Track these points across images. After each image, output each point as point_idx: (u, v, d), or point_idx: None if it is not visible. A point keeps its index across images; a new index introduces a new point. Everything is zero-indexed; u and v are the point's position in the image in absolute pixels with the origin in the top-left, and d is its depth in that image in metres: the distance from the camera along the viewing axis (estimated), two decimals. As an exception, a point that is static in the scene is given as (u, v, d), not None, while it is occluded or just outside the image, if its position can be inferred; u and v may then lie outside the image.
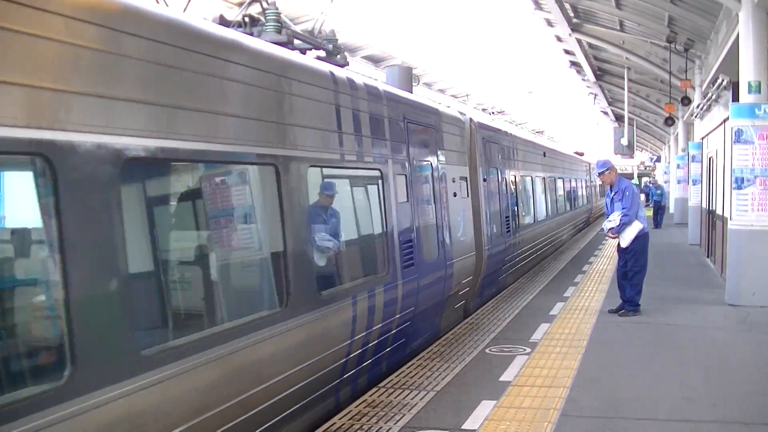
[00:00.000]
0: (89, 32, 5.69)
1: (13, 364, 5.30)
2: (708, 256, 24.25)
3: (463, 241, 15.00)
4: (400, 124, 12.16)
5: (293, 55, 9.72)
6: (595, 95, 54.93)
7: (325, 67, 10.31)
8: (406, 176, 12.11)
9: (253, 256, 8.67)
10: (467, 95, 50.84)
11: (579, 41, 35.29)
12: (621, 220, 14.71)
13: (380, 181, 11.20)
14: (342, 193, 10.88)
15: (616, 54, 36.18)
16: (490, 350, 12.02)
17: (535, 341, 12.61)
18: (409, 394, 9.67)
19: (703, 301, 16.44)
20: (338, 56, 12.35)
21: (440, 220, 13.60)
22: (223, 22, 10.39)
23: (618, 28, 31.74)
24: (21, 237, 5.90)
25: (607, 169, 15.26)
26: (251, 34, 10.17)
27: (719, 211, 20.24)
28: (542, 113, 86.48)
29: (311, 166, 9.15)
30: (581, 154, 49.40)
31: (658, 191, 43.77)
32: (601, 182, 16.34)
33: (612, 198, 15.17)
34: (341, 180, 10.90)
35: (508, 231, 19.29)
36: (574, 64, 44.70)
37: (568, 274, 21.22)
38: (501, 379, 10.36)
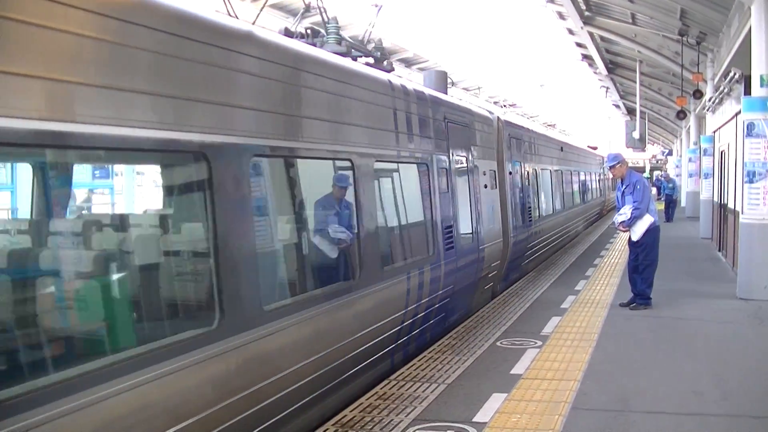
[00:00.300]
0: (264, 67, 8.01)
1: (189, 311, 7.17)
2: (719, 250, 24.24)
3: (492, 228, 16.60)
4: (441, 123, 13.89)
5: (360, 67, 11.70)
6: (607, 88, 54.81)
7: (385, 76, 12.09)
8: (446, 169, 13.79)
9: (329, 240, 10.06)
10: (479, 88, 50.81)
11: (591, 34, 35.19)
12: (632, 213, 14.70)
13: (427, 174, 12.89)
14: (397, 184, 12.63)
15: (628, 47, 36.06)
16: (501, 343, 12.05)
17: (546, 334, 12.64)
18: (420, 386, 9.71)
19: (714, 294, 16.43)
20: (385, 62, 13.87)
21: (474, 209, 15.31)
22: (287, 33, 11.55)
23: (630, 21, 31.64)
24: (188, 219, 7.49)
25: (617, 163, 15.25)
26: (314, 45, 11.46)
27: (731, 205, 20.23)
28: (554, 106, 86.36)
29: (377, 160, 10.86)
30: (594, 148, 49.66)
31: (670, 185, 43.70)
32: (611, 176, 16.34)
33: (623, 191, 15.15)
34: (397, 173, 12.61)
35: (530, 221, 21.01)
36: (585, 57, 44.59)
37: (580, 268, 21.23)
38: (512, 372, 10.40)
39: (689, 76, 30.59)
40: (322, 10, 13.02)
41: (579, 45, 41.40)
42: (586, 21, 32.71)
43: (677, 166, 59.92)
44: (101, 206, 8.04)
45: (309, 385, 8.33)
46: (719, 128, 25.78)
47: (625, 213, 14.86)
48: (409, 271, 11.60)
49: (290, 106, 8.54)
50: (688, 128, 43.84)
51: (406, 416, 8.58)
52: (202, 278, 7.07)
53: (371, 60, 13.42)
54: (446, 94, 16.32)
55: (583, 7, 31.69)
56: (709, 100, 28.27)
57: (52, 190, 7.36)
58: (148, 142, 6.03)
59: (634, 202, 14.73)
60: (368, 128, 10.67)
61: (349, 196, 10.07)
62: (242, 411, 6.92)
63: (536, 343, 12.03)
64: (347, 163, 9.94)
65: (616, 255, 23.88)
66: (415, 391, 9.53)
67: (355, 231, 10.00)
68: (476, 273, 15.27)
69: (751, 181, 15.57)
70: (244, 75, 7.58)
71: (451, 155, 14.12)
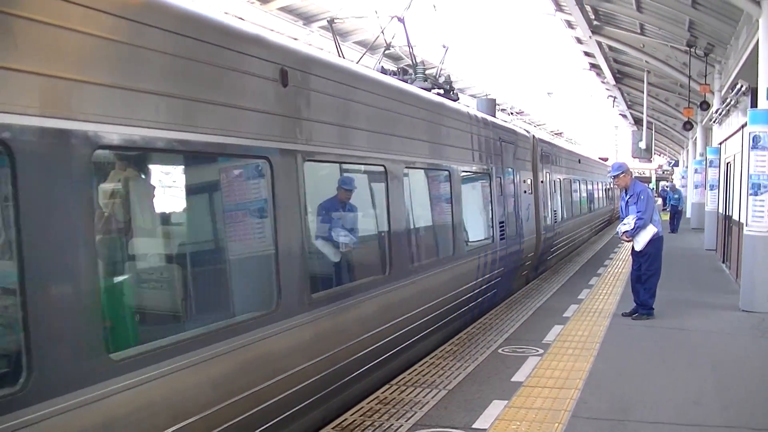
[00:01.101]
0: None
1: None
2: (723, 262, 24.21)
3: (528, 225, 20.30)
4: (497, 142, 17.69)
5: (451, 103, 15.66)
6: (615, 98, 54.85)
7: (463, 107, 16.47)
8: (500, 178, 17.71)
9: (438, 227, 14.30)
10: (487, 95, 50.86)
11: (599, 43, 35.25)
12: (635, 223, 14.71)
13: (489, 182, 16.90)
14: (472, 189, 16.29)
15: (636, 57, 36.10)
16: (502, 350, 12.09)
17: (548, 342, 12.67)
18: (421, 391, 9.74)
19: (716, 306, 16.43)
20: (452, 93, 17.45)
21: (517, 209, 19.08)
22: (383, 71, 15.32)
23: (638, 31, 31.70)
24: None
25: (621, 172, 15.26)
26: (406, 81, 15.00)
27: (735, 217, 20.23)
28: (561, 115, 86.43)
29: (463, 172, 14.91)
30: (605, 160, 50.02)
31: (675, 195, 43.67)
32: (615, 185, 16.44)
33: (627, 201, 15.16)
34: (475, 181, 16.52)
35: (555, 222, 24.90)
36: (593, 66, 44.67)
37: (583, 276, 21.25)
38: (513, 379, 10.43)
39: (696, 87, 30.64)
40: (413, 55, 17.13)
41: (587, 54, 41.50)
42: (595, 30, 32.77)
43: (683, 177, 59.90)
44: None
45: (394, 340, 10.82)
46: (725, 140, 25.77)
47: (628, 223, 14.87)
48: (480, 253, 15.69)
49: (410, 132, 12.20)
50: (695, 139, 43.86)
51: (406, 421, 8.61)
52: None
53: (442, 91, 16.90)
54: (495, 116, 20.11)
55: (592, 16, 31.75)
56: (716, 111, 28.30)
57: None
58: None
59: (637, 212, 14.74)
60: (456, 147, 14.71)
61: (448, 194, 14.17)
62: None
63: (538, 351, 12.06)
64: (446, 173, 14.08)
65: (620, 264, 23.89)
66: (416, 396, 9.56)
67: (455, 219, 14.24)
68: (518, 260, 19.10)
69: (755, 194, 15.58)
70: (368, 107, 10.64)
71: (503, 167, 17.98)
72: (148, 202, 7.63)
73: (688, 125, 35.97)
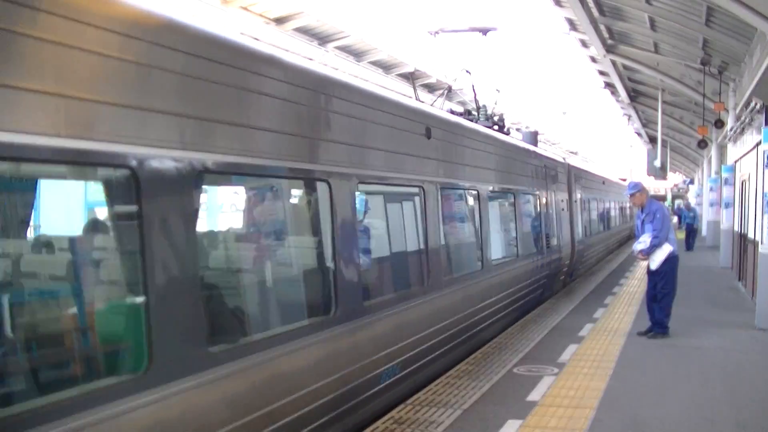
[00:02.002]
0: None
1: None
2: (739, 280, 24.16)
3: (565, 238, 24.04)
4: (542, 169, 21.71)
5: (516, 140, 20.75)
6: (629, 116, 54.81)
7: (521, 142, 21.60)
8: (546, 198, 21.81)
9: (509, 235, 18.17)
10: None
11: (613, 62, 35.25)
12: (651, 242, 14.71)
13: (538, 201, 20.98)
14: (527, 207, 20.09)
15: (651, 76, 36.08)
16: (518, 370, 12.09)
17: (563, 362, 12.67)
18: (436, 411, 9.75)
19: (732, 324, 16.40)
20: (505, 128, 20.69)
21: (557, 224, 22.96)
22: (453, 112, 18.82)
23: (653, 49, 31.69)
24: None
25: (637, 191, 15.27)
26: (472, 120, 18.35)
27: (750, 235, 20.19)
28: (576, 133, 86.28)
29: (522, 193, 19.12)
30: (624, 180, 50.43)
31: (691, 214, 43.62)
32: (631, 204, 16.49)
33: (643, 220, 15.16)
34: (529, 202, 20.37)
35: (585, 236, 28.99)
36: (608, 85, 44.63)
37: (599, 296, 21.23)
38: (528, 398, 10.44)
39: (711, 105, 30.58)
40: (477, 100, 20.98)
41: (601, 73, 41.47)
42: (609, 49, 32.78)
43: (698, 195, 59.77)
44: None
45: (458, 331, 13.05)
46: (740, 158, 25.75)
47: (644, 241, 14.86)
48: (533, 257, 19.60)
49: (488, 164, 16.08)
50: (710, 157, 43.71)
51: (421, 441, 8.63)
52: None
53: (496, 127, 20.03)
54: (536, 146, 24.28)
55: (606, 35, 31.77)
56: (731, 129, 28.27)
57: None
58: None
59: (653, 230, 14.74)
60: (518, 175, 18.79)
61: (515, 211, 18.14)
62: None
63: (553, 370, 12.06)
64: (512, 195, 18.15)
65: (636, 283, 23.85)
66: (431, 415, 9.57)
67: (518, 231, 18.29)
68: (558, 266, 22.86)
69: (770, 212, 15.56)
70: (472, 150, 14.81)
71: (547, 189, 22.05)
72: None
73: (703, 143, 35.87)
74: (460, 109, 21.13)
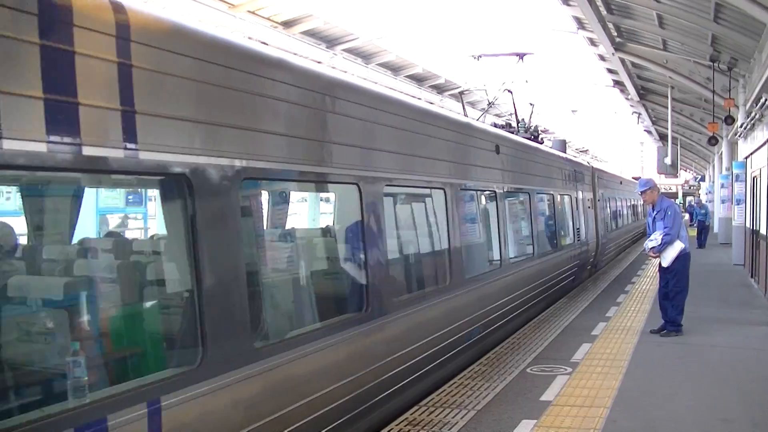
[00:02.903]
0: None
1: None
2: (752, 277, 24.09)
3: (591, 232, 27.23)
4: (573, 173, 25.13)
5: (554, 151, 24.25)
6: (639, 114, 54.73)
7: (558, 152, 25.00)
8: (576, 198, 25.06)
9: (551, 230, 21.22)
10: (511, 114, 50.88)
11: (622, 60, 35.22)
12: (662, 239, 14.67)
13: (570, 201, 24.15)
14: (564, 207, 23.37)
15: (660, 73, 36.06)
16: (531, 370, 12.09)
17: (577, 361, 12.65)
18: (450, 412, 9.75)
19: (745, 321, 16.36)
20: (540, 138, 24.46)
21: (585, 220, 26.13)
22: (495, 125, 21.90)
23: (661, 47, 31.67)
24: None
25: (648, 188, 15.23)
26: (512, 132, 21.18)
27: (763, 231, 20.15)
28: (586, 132, 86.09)
29: (561, 195, 22.66)
30: (638, 179, 50.61)
31: (702, 211, 43.51)
32: (642, 201, 16.45)
33: (654, 217, 15.13)
34: (565, 202, 23.46)
35: (607, 231, 32.02)
36: (617, 83, 44.59)
37: (611, 294, 21.20)
38: (542, 398, 10.43)
39: (721, 101, 30.54)
40: (517, 114, 24.94)
41: (610, 71, 41.45)
42: (618, 47, 32.76)
43: (709, 192, 59.63)
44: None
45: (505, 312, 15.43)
46: (751, 154, 25.70)
47: (655, 239, 14.83)
48: (569, 248, 23.09)
49: (536, 171, 19.72)
50: (720, 154, 43.68)
51: (435, 442, 8.63)
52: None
53: (531, 136, 23.19)
54: (565, 152, 27.92)
55: (614, 33, 31.75)
56: (741, 126, 28.21)
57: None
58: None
59: (664, 227, 14.70)
60: (556, 179, 22.22)
61: (555, 209, 21.65)
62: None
63: (566, 369, 12.06)
64: (550, 196, 21.36)
65: (648, 282, 23.81)
66: (444, 417, 9.57)
67: (557, 226, 21.76)
68: (586, 257, 26.03)
69: (782, 208, 15.53)
70: (518, 159, 17.83)
71: (577, 190, 25.25)
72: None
73: (714, 140, 35.80)
74: (499, 121, 25.88)
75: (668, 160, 43.77)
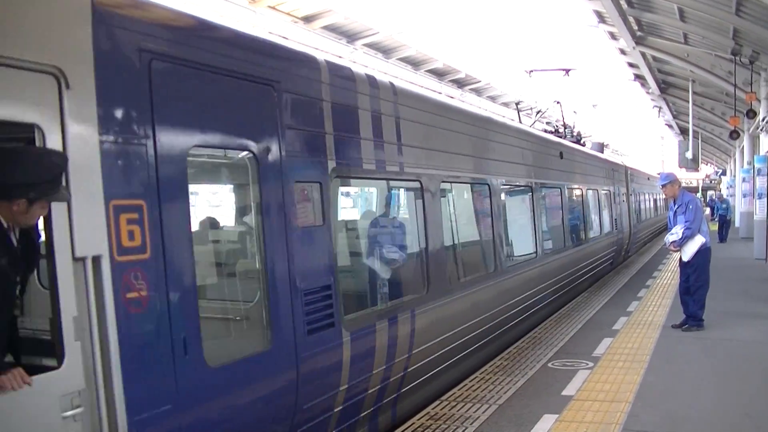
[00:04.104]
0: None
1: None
2: (774, 271, 23.99)
3: (625, 222, 30.66)
4: (611, 171, 28.92)
5: (598, 154, 29.62)
6: (660, 108, 54.56)
7: (601, 154, 30.72)
8: (614, 192, 28.45)
9: (597, 219, 25.03)
10: (531, 108, 50.96)
11: (643, 54, 35.13)
12: (683, 233, 14.61)
13: (610, 195, 27.42)
14: (606, 200, 26.76)
15: (681, 67, 35.94)
16: (552, 364, 12.09)
17: (598, 355, 12.65)
18: (471, 407, 9.77)
19: (767, 316, 16.28)
20: (580, 141, 28.24)
21: (620, 211, 29.35)
22: (546, 130, 24.80)
23: (682, 40, 31.56)
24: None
25: (669, 182, 15.16)
26: (560, 136, 24.34)
27: (785, 225, 20.06)
28: (607, 126, 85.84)
29: (603, 191, 26.31)
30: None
31: (723, 205, 43.33)
32: (663, 195, 16.42)
33: (675, 211, 15.07)
34: (607, 196, 26.95)
35: (637, 221, 35.32)
36: (638, 77, 44.47)
37: (632, 288, 21.16)
38: (563, 393, 10.44)
39: (742, 95, 30.44)
40: (564, 120, 28.27)
41: (631, 65, 41.34)
42: (638, 41, 32.68)
43: (730, 186, 59.39)
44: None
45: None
46: (773, 148, 25.58)
47: (676, 233, 14.77)
48: (610, 235, 26.74)
49: (586, 171, 23.67)
50: (742, 148, 43.54)
51: (457, 436, 8.64)
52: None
53: (575, 140, 27.21)
54: (603, 153, 32.38)
55: (635, 27, 31.67)
56: (763, 119, 28.13)
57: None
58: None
59: (685, 221, 14.63)
60: (599, 177, 25.88)
61: (600, 202, 25.51)
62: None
63: (588, 364, 12.06)
64: (596, 192, 24.70)
65: (669, 276, 23.73)
66: (466, 411, 9.60)
67: (602, 216, 25.36)
68: (621, 243, 29.62)
69: (804, 202, 15.45)
70: (571, 162, 21.43)
71: (614, 185, 28.64)
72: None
73: (735, 134, 35.69)
74: (548, 127, 29.48)
75: (689, 154, 43.65)
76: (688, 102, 41.45)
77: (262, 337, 7.10)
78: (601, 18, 31.93)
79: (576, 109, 34.51)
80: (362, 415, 8.70)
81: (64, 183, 4.93)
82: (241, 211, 8.32)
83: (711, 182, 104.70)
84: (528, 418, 9.29)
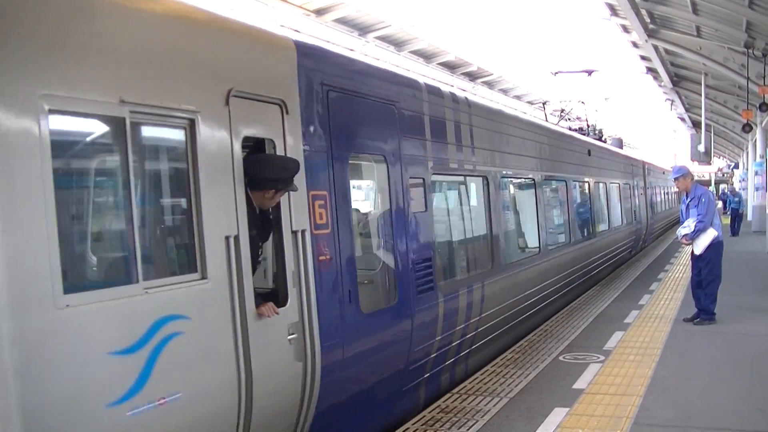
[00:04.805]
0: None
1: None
2: (786, 265, 23.90)
3: (642, 214, 32.62)
4: (630, 166, 31.13)
5: (619, 150, 32.85)
6: (672, 101, 54.40)
7: (623, 151, 35.03)
8: (633, 185, 30.47)
9: (619, 211, 27.32)
10: (544, 103, 50.96)
11: (655, 47, 35.04)
12: (696, 226, 14.57)
13: (629, 188, 29.47)
14: (626, 193, 28.75)
15: (693, 60, 35.85)
16: (563, 357, 12.09)
17: (609, 349, 12.64)
18: (482, 400, 9.78)
19: (779, 310, 16.22)
20: (602, 138, 31.10)
21: (638, 203, 31.37)
22: (571, 128, 27.06)
23: (695, 33, 31.48)
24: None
25: (681, 175, 15.13)
26: (585, 134, 27.24)
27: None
28: (619, 119, 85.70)
29: (625, 184, 28.75)
30: None
31: (736, 198, 43.23)
32: (676, 188, 16.43)
33: (687, 204, 15.03)
34: (627, 189, 28.96)
35: (653, 213, 37.24)
36: (650, 70, 44.36)
37: (644, 282, 21.13)
38: (574, 386, 10.43)
39: (755, 88, 30.34)
40: (587, 120, 32.47)
41: (643, 58, 41.23)
42: (651, 34, 32.60)
43: (742, 180, 59.22)
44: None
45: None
46: (786, 141, 25.50)
47: (688, 226, 14.73)
48: (630, 225, 29.00)
49: (612, 166, 26.95)
50: (755, 141, 43.40)
51: (468, 430, 8.66)
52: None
53: (596, 137, 30.21)
54: (621, 148, 35.24)
55: (648, 20, 31.58)
56: (776, 113, 27.97)
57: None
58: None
59: (698, 215, 14.58)
60: (621, 172, 28.30)
61: (624, 194, 28.12)
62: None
63: (599, 357, 12.05)
64: (618, 185, 26.89)
65: (681, 269, 23.68)
66: (477, 404, 9.60)
67: (623, 207, 27.54)
68: (640, 233, 31.77)
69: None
70: (602, 159, 25.18)
71: (633, 179, 30.70)
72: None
73: (748, 127, 35.60)
74: (573, 125, 31.87)
75: (701, 148, 43.56)
76: (700, 95, 41.33)
77: (392, 295, 9.45)
78: (614, 11, 31.87)
79: (597, 108, 36.79)
80: (446, 363, 10.94)
81: None
82: (378, 202, 10.02)
83: (723, 175, 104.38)
84: (539, 411, 9.29)
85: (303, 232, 7.45)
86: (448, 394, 10.07)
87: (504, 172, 14.13)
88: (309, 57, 8.07)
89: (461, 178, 12.90)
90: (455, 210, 13.22)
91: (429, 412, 9.31)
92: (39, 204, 4.90)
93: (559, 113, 32.20)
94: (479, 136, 12.67)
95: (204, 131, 6.37)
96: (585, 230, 21.31)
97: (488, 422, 8.93)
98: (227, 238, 6.50)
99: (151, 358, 5.63)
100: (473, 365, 12.00)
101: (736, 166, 79.14)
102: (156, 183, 6.59)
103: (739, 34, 27.52)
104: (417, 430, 8.70)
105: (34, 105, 4.90)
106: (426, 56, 38.76)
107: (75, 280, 5.44)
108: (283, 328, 7.11)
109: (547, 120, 27.53)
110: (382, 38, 34.36)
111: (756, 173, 40.07)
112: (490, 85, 47.43)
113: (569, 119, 32.84)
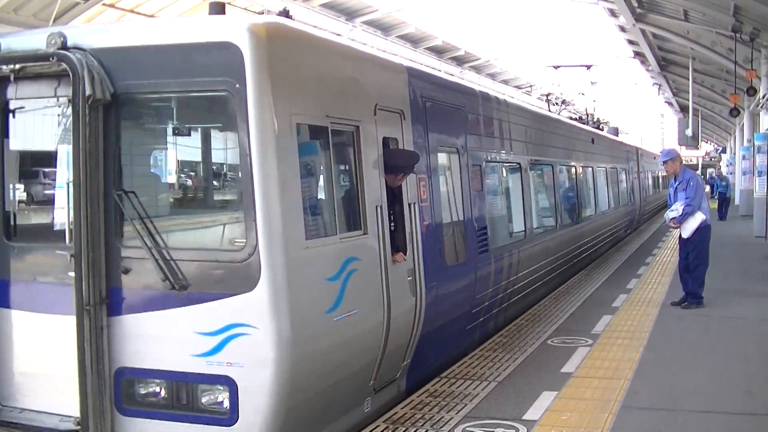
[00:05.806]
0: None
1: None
2: (773, 249, 23.97)
3: (636, 197, 34.53)
4: (626, 153, 33.55)
5: (615, 137, 35.44)
6: (660, 86, 54.48)
7: (619, 138, 37.15)
8: (629, 170, 32.85)
9: (616, 192, 29.18)
10: (531, 86, 51.01)
11: (643, 31, 35.07)
12: (683, 210, 14.55)
13: (626, 173, 32.10)
14: (622, 176, 30.96)
15: (681, 44, 35.89)
16: (552, 341, 12.09)
17: (597, 333, 12.64)
18: (471, 384, 9.77)
19: (767, 294, 16.27)
20: (602, 128, 34.31)
21: (633, 186, 33.84)
22: (572, 118, 32.31)
23: (683, 17, 31.48)
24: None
25: (671, 159, 15.13)
26: (587, 123, 31.52)
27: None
28: (606, 104, 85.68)
29: (622, 169, 31.37)
30: None
31: (723, 183, 43.30)
32: (665, 172, 16.45)
33: (675, 188, 15.02)
34: (623, 173, 31.41)
35: (645, 196, 39.15)
36: (638, 54, 44.40)
37: (632, 266, 21.16)
38: (562, 370, 10.44)
39: (743, 72, 30.37)
40: (587, 110, 38.05)
41: (631, 42, 41.30)
42: (638, 18, 32.60)
43: (730, 164, 59.34)
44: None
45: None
46: (773, 126, 25.54)
47: (676, 209, 14.72)
48: (626, 206, 31.26)
49: (610, 152, 29.45)
50: (742, 125, 43.48)
51: (456, 413, 8.65)
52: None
53: (594, 125, 32.49)
54: (617, 136, 37.25)
55: (635, 4, 31.56)
56: (763, 97, 28.06)
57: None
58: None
59: (686, 198, 14.58)
60: (618, 157, 30.70)
61: (622, 178, 30.78)
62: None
63: (587, 341, 12.05)
64: (615, 170, 28.99)
65: (668, 253, 23.72)
66: (466, 388, 9.60)
67: (621, 188, 30.02)
68: (634, 214, 33.89)
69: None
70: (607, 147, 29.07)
71: (628, 165, 32.85)
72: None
73: (735, 111, 35.66)
74: (573, 114, 36.34)
75: (689, 132, 43.62)
76: (688, 79, 41.39)
77: (464, 254, 11.81)
78: (601, -5, 31.86)
79: (595, 99, 39.80)
80: (493, 311, 13.27)
81: None
82: (456, 184, 11.97)
83: (711, 160, 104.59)
84: (527, 395, 9.29)
85: (414, 204, 9.86)
86: (437, 378, 10.06)
87: (533, 159, 16.92)
88: (414, 77, 10.66)
89: (503, 164, 15.45)
90: (499, 190, 15.51)
91: (417, 396, 9.30)
92: (295, 185, 7.44)
93: (560, 104, 34.43)
94: (515, 131, 15.56)
95: (363, 134, 8.81)
96: (591, 209, 24.05)
97: (477, 406, 8.93)
98: (377, 207, 8.84)
99: (343, 284, 8.05)
100: (510, 316, 14.36)
101: (724, 151, 79.32)
102: (342, 169, 9.01)
103: (726, 18, 27.51)
104: (405, 414, 8.69)
105: (289, 121, 7.39)
106: (413, 41, 38.79)
107: (310, 232, 7.72)
108: (405, 271, 9.42)
109: (549, 110, 29.87)
110: (369, 23, 34.37)
111: (743, 157, 40.11)
112: (477, 69, 47.40)
113: (570, 111, 36.08)
